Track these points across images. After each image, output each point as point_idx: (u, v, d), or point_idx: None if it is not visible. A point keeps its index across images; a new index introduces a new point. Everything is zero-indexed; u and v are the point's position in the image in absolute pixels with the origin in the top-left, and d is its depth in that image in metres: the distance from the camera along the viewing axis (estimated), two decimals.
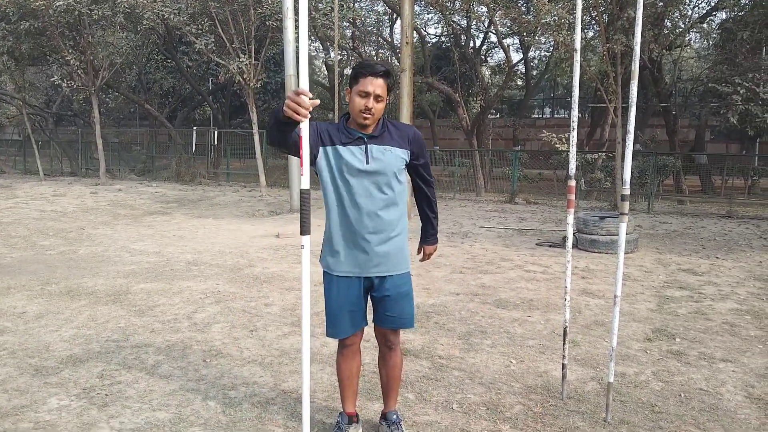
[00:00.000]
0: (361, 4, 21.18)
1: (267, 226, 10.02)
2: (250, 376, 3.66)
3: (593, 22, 11.75)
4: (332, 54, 17.65)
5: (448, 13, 15.53)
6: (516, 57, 24.52)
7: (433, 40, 26.55)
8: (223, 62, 14.39)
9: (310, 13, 15.18)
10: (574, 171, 3.37)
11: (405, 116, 10.17)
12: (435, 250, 3.03)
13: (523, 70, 25.30)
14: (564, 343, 3.39)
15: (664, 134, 19.59)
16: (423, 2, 18.37)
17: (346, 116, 2.70)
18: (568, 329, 3.41)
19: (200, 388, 3.50)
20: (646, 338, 4.47)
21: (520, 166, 15.64)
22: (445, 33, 24.30)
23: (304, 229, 2.30)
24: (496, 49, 26.51)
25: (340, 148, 2.61)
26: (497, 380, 3.67)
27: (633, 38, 2.95)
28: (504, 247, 8.29)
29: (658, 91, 17.96)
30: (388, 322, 2.78)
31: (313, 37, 22.47)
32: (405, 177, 2.74)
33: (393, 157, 2.63)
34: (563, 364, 3.40)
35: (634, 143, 18.59)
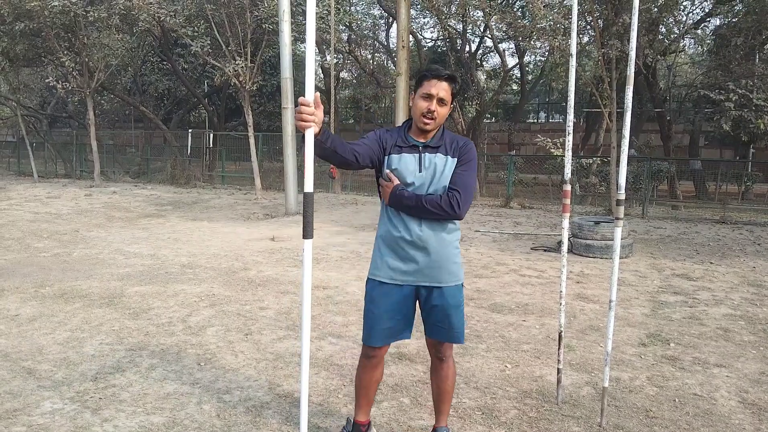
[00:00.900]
0: (358, 8, 21.24)
1: (262, 230, 10.01)
2: (244, 380, 3.65)
3: (588, 27, 11.80)
4: (328, 57, 17.66)
5: (444, 17, 15.56)
6: (511, 61, 24.56)
7: (429, 44, 26.63)
8: (219, 65, 14.38)
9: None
10: (569, 175, 3.38)
11: (401, 119, 10.19)
12: (385, 197, 2.62)
13: (519, 75, 25.39)
14: (559, 348, 3.40)
15: (658, 139, 19.67)
16: (419, 6, 18.43)
17: (408, 122, 2.69)
18: (563, 334, 3.41)
19: (195, 391, 3.49)
20: (641, 343, 4.48)
21: (515, 170, 15.66)
22: (441, 37, 24.36)
23: (307, 233, 2.25)
24: (491, 53, 26.62)
25: (393, 156, 2.60)
26: (492, 385, 3.67)
27: (628, 43, 2.97)
28: (499, 252, 8.30)
29: (653, 97, 18.05)
30: (436, 332, 2.70)
31: None
32: None
33: (442, 165, 2.59)
34: (558, 369, 3.40)
35: (629, 148, 18.66)
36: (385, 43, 24.46)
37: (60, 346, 4.16)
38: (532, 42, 12.39)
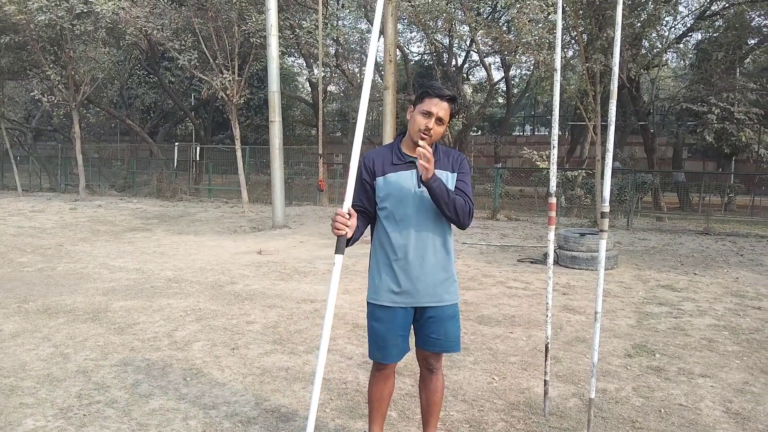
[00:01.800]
0: (345, 23, 21.37)
1: (249, 243, 9.97)
2: (231, 395, 3.63)
3: (573, 41, 11.96)
4: (316, 71, 17.72)
5: (430, 31, 15.73)
6: (497, 75, 24.89)
7: (416, 58, 26.85)
8: (206, 78, 14.39)
9: (294, 31, 15.27)
10: (554, 188, 3.41)
11: (388, 133, 10.23)
12: (428, 171, 2.45)
13: (505, 88, 25.63)
14: (546, 360, 3.41)
15: (642, 152, 19.94)
16: (406, 21, 18.58)
17: (401, 136, 2.70)
18: (549, 345, 3.43)
19: (180, 407, 3.45)
20: (627, 354, 4.51)
21: (502, 182, 15.78)
22: (428, 51, 24.59)
23: (339, 248, 2.42)
24: (477, 67, 26.90)
25: (390, 175, 2.59)
26: (480, 397, 3.67)
27: (612, 58, 3.01)
28: (486, 264, 8.33)
29: (637, 110, 18.30)
30: (431, 344, 2.67)
31: (296, 54, 22.59)
32: None
33: (446, 181, 2.59)
34: (545, 381, 3.42)
35: (613, 161, 18.90)
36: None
37: (43, 363, 4.11)
38: (517, 56, 12.53)
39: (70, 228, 11.53)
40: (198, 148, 22.10)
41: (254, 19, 13.23)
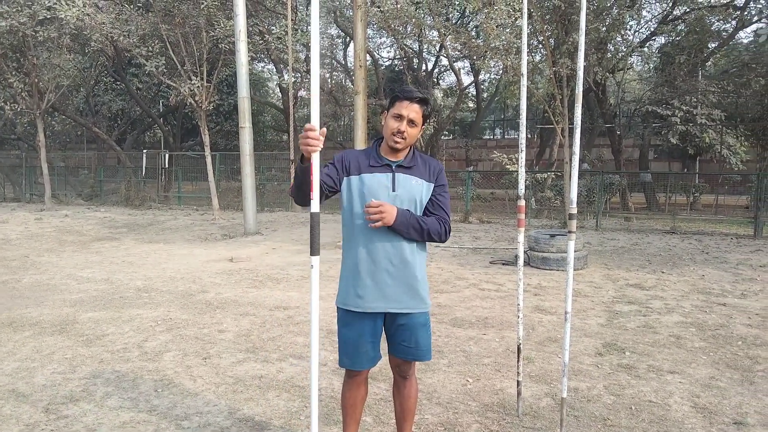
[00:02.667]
0: None
1: (220, 250, 9.86)
2: (203, 405, 3.58)
3: (540, 46, 12.14)
4: (286, 77, 17.65)
5: (400, 37, 15.81)
6: (467, 80, 25.11)
7: (387, 63, 26.94)
8: (174, 84, 14.21)
9: (263, 36, 15.20)
10: (523, 191, 3.45)
11: (359, 137, 10.24)
12: (387, 216, 2.46)
13: (474, 93, 25.87)
14: (518, 361, 3.45)
15: (610, 153, 20.29)
16: (376, 26, 18.64)
17: (379, 140, 2.68)
18: (522, 346, 3.47)
19: (152, 419, 3.40)
20: (598, 353, 4.58)
21: (473, 186, 15.91)
22: (398, 56, 24.69)
23: (314, 250, 2.28)
24: (447, 72, 27.13)
25: (365, 176, 2.57)
26: (454, 400, 3.69)
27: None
28: (459, 266, 8.38)
29: (603, 113, 18.64)
30: (403, 352, 2.66)
31: (266, 59, 22.48)
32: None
33: (418, 188, 2.59)
34: (518, 382, 3.45)
35: (582, 163, 19.20)
36: (343, 62, 24.63)
37: (8, 378, 4.00)
38: (486, 61, 12.66)
39: (35, 239, 11.26)
40: (167, 155, 21.83)
41: (222, 25, 13.13)
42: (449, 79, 28.58)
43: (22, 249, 9.99)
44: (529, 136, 28.05)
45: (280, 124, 29.78)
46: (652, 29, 18.15)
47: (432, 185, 2.63)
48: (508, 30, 10.59)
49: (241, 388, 3.84)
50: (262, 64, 26.50)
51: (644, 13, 17.40)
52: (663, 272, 7.99)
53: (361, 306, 2.58)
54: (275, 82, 25.89)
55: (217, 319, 5.51)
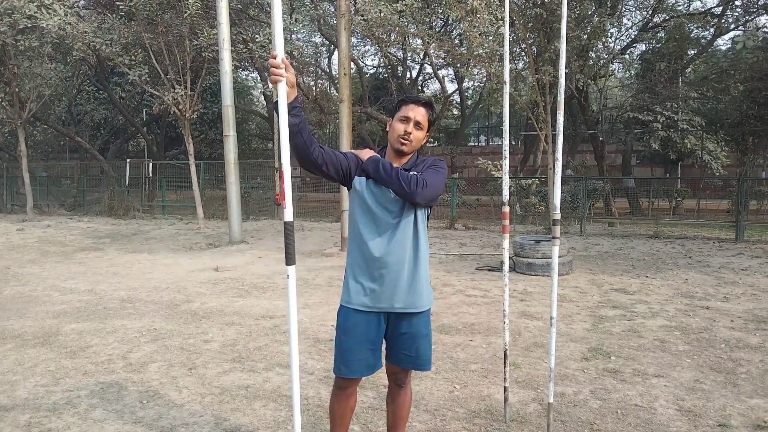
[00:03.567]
0: (299, 36, 21.37)
1: (205, 260, 9.79)
2: (189, 416, 3.55)
3: (523, 53, 12.25)
4: (270, 85, 17.60)
5: (384, 45, 15.85)
6: (451, 87, 25.25)
7: (371, 71, 27.02)
8: (157, 93, 14.13)
9: (247, 45, 15.18)
10: (507, 197, 3.48)
11: (344, 145, 10.24)
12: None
13: (459, 100, 26.01)
14: (505, 366, 3.46)
15: (593, 159, 20.50)
16: (360, 35, 18.70)
17: (384, 149, 2.72)
18: (508, 352, 3.48)
19: (137, 431, 3.36)
20: (584, 357, 4.61)
21: (459, 192, 15.97)
22: (383, 64, 24.77)
23: (290, 259, 2.23)
24: (432, 79, 27.25)
25: (371, 180, 2.57)
26: (442, 406, 3.69)
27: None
28: (445, 273, 8.40)
29: (586, 119, 18.83)
30: (402, 361, 2.66)
31: (250, 68, 22.44)
32: (429, 212, 2.69)
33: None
34: (505, 387, 3.46)
35: (566, 169, 19.37)
36: (328, 70, 24.66)
37: None
38: (469, 69, 12.74)
39: (17, 249, 11.11)
40: (151, 165, 21.65)
41: (206, 34, 13.09)
42: (433, 86, 28.71)
43: (4, 260, 9.85)
44: (513, 142, 28.24)
45: (264, 133, 29.70)
46: (633, 37, 18.41)
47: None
48: (491, 38, 10.67)
49: (228, 399, 3.81)
50: (246, 73, 26.45)
51: (625, 20, 17.65)
52: (647, 277, 8.07)
53: (364, 304, 2.57)
54: (259, 90, 25.86)
55: (203, 329, 5.47)
